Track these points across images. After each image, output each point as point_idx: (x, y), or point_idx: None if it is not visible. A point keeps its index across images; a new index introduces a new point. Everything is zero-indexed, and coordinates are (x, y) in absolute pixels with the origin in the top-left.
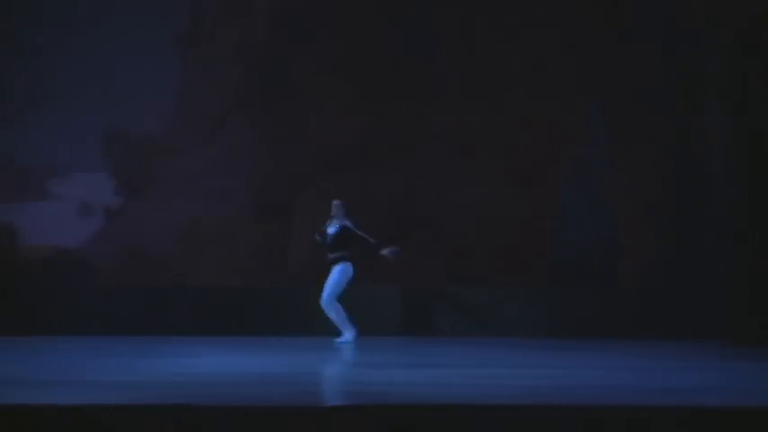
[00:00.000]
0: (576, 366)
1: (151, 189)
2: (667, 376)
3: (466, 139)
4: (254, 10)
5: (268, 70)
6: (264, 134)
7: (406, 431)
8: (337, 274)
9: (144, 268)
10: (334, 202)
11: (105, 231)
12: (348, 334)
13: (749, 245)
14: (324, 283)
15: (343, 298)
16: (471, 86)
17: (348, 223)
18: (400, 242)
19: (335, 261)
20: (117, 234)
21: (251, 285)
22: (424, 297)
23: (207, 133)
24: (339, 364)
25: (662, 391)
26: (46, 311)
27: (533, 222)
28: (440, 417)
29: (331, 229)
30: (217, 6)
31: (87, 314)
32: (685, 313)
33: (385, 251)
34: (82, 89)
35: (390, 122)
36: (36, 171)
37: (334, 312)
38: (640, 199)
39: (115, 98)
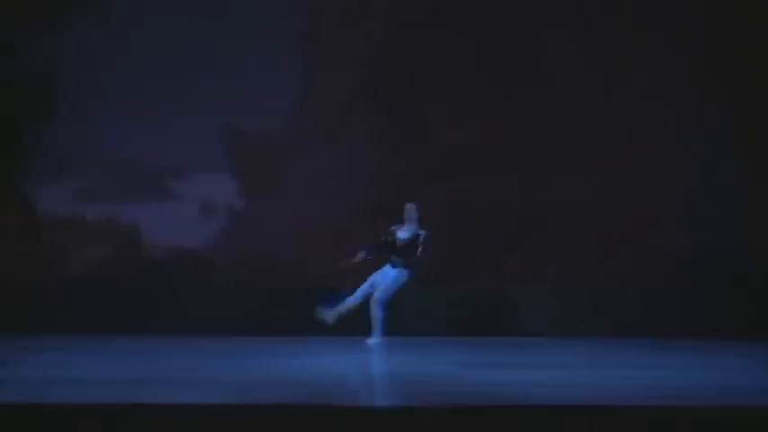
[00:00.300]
0: (704, 367)
1: (272, 189)
2: None
3: (587, 138)
4: (374, 9)
5: (388, 70)
6: (384, 134)
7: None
8: (393, 281)
9: (264, 268)
10: (409, 205)
11: (226, 231)
12: (377, 337)
13: None
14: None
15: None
16: (594, 85)
17: (422, 234)
18: (519, 241)
19: (398, 265)
20: (238, 234)
21: None
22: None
23: (327, 133)
24: (451, 365)
25: None
26: (168, 310)
27: (656, 222)
28: (584, 417)
29: (404, 234)
30: (337, 6)
31: (207, 314)
32: None
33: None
34: (203, 89)
35: (509, 122)
36: (159, 171)
37: (379, 313)
38: None
39: (236, 98)
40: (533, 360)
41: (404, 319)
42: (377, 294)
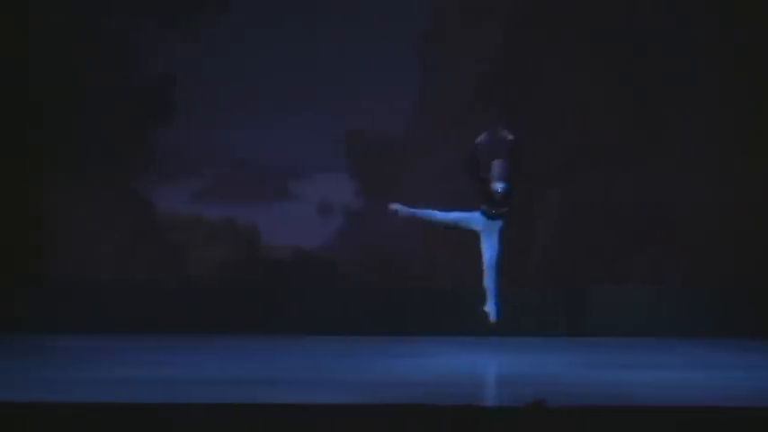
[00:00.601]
0: None
1: (390, 189)
2: None
3: (712, 138)
4: (495, 10)
5: (509, 70)
6: None
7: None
8: (498, 240)
9: (382, 269)
10: (496, 161)
11: (345, 232)
12: (493, 306)
13: None
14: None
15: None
16: (721, 86)
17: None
18: (639, 242)
19: (496, 216)
20: (356, 234)
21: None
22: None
23: (447, 133)
24: (568, 365)
25: None
26: (287, 311)
27: None
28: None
29: (500, 186)
30: (458, 6)
31: (326, 314)
32: None
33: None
34: (322, 89)
35: (635, 121)
36: (277, 171)
37: (493, 279)
38: None
39: (355, 97)
40: (658, 361)
41: (518, 318)
42: (489, 260)
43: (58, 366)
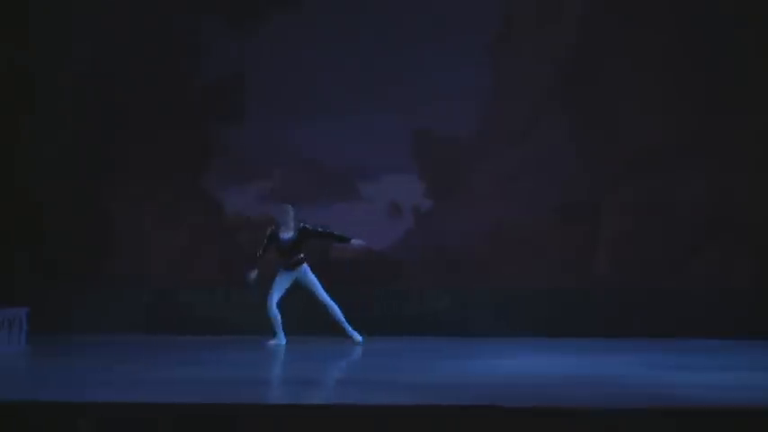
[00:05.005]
0: None
1: (459, 190)
2: None
3: None
4: (566, 11)
5: (579, 71)
6: (574, 135)
7: None
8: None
9: (449, 269)
10: (286, 206)
11: (412, 232)
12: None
13: None
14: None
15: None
16: None
17: (309, 226)
18: (706, 241)
19: (294, 265)
20: (423, 235)
21: (555, 287)
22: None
23: (516, 135)
24: (646, 367)
25: None
26: (353, 312)
27: None
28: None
29: (286, 235)
30: (529, 8)
31: (391, 315)
32: None
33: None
34: (391, 90)
35: (698, 122)
36: (346, 172)
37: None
38: None
39: (425, 99)
40: (721, 363)
41: (584, 318)
42: (323, 299)
43: (134, 365)
